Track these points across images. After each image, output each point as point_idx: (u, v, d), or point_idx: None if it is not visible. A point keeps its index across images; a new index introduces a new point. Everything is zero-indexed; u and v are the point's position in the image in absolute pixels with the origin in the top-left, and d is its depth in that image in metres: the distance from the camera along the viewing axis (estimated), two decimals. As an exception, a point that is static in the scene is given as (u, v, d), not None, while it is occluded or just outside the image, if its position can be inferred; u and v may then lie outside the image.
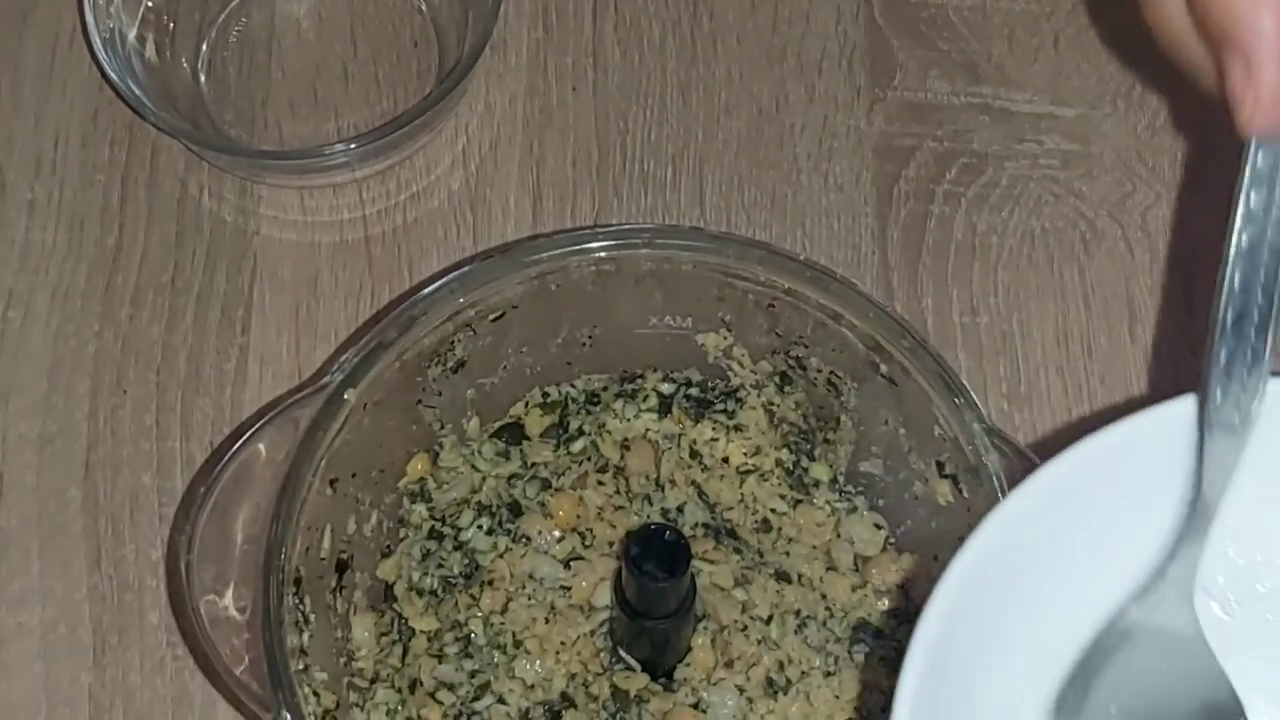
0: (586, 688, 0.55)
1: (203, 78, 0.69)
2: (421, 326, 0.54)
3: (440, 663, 0.56)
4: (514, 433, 0.60)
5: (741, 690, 0.55)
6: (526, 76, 0.69)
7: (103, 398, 0.63)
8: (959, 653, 0.43)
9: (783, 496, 0.59)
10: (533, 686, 0.55)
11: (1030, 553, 0.45)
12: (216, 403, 0.63)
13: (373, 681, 0.56)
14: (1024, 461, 0.52)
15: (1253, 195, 0.43)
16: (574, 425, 0.59)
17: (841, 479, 0.59)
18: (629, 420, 0.59)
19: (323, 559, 0.54)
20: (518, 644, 0.55)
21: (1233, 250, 0.43)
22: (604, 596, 0.56)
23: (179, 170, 0.67)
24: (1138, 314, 0.65)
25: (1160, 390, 0.63)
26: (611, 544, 0.57)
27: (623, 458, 0.59)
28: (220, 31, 0.69)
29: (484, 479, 0.59)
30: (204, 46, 0.69)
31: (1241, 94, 0.42)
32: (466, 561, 0.57)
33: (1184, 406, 0.44)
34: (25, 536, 0.61)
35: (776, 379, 0.59)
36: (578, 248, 0.55)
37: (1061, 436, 0.48)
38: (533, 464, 0.59)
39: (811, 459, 0.59)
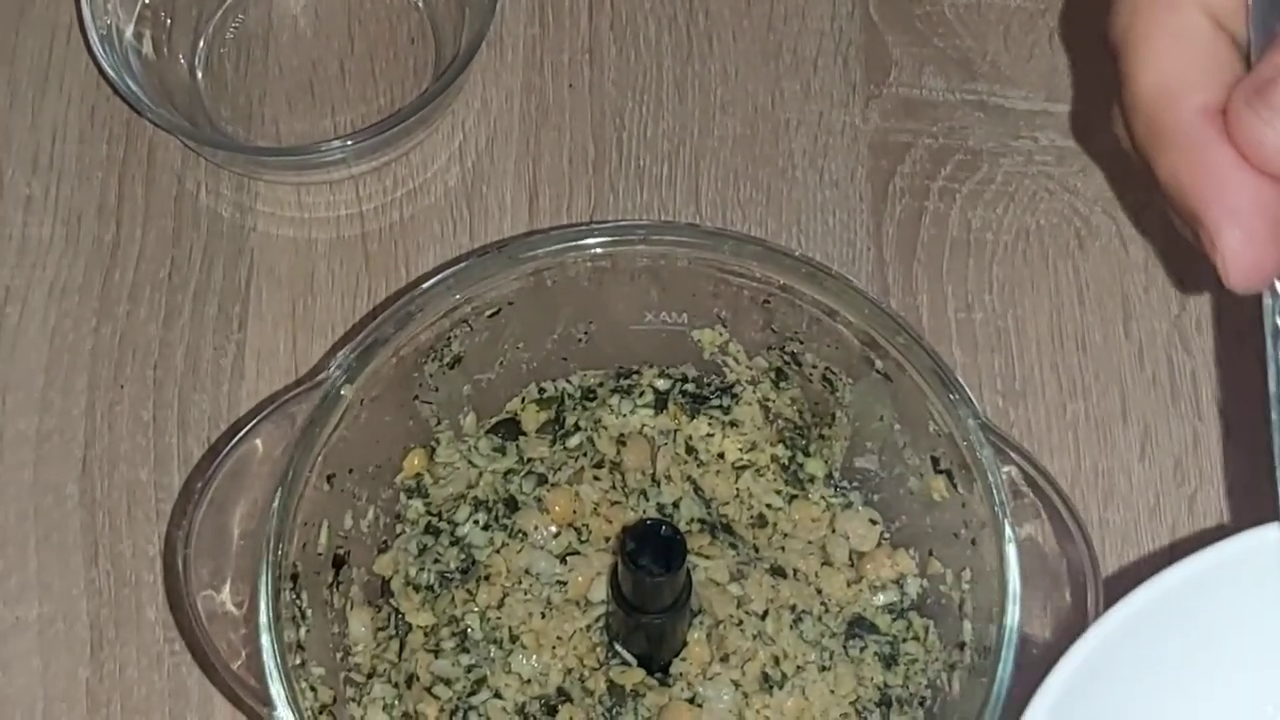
0: (583, 682, 0.55)
1: (200, 74, 0.69)
2: (418, 323, 0.54)
3: (437, 658, 0.56)
4: (510, 428, 0.60)
5: (737, 685, 0.55)
6: (523, 73, 0.69)
7: (100, 393, 0.63)
8: None
9: (778, 492, 0.59)
10: (529, 681, 0.55)
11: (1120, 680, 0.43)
12: (213, 399, 0.63)
13: (369, 676, 0.56)
14: (1020, 456, 0.52)
15: None
16: (570, 421, 0.60)
17: (837, 474, 0.59)
18: (625, 416, 0.60)
19: (320, 554, 0.54)
20: (514, 639, 0.55)
21: (1275, 392, 0.43)
22: (600, 591, 0.56)
23: (176, 166, 0.67)
24: (1132, 310, 0.65)
25: (1156, 389, 0.63)
26: (607, 539, 0.57)
27: (619, 453, 0.59)
28: (217, 28, 0.69)
29: (480, 474, 0.59)
30: (201, 43, 0.69)
31: (1212, 259, 0.44)
32: (463, 557, 0.57)
33: (1271, 534, 0.43)
34: (22, 532, 0.61)
35: (772, 375, 0.59)
36: (574, 244, 0.55)
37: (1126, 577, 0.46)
38: (529, 459, 0.59)
39: (807, 454, 0.59)
